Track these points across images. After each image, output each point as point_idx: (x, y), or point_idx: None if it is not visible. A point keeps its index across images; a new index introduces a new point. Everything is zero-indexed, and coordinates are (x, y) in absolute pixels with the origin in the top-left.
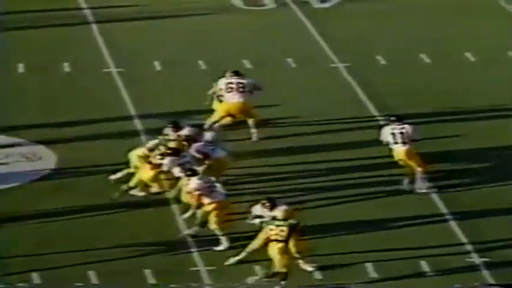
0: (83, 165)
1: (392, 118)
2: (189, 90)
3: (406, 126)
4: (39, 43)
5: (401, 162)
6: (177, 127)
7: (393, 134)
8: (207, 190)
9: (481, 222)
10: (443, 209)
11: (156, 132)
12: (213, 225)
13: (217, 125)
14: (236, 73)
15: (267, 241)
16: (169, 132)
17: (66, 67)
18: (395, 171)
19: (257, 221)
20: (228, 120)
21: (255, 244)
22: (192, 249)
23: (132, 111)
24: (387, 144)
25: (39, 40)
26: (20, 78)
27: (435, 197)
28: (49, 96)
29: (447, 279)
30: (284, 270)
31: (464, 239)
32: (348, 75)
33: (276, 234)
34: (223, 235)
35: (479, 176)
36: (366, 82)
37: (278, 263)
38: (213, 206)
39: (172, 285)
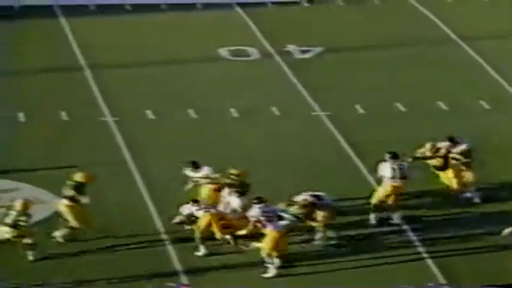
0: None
1: (389, 155)
2: (183, 138)
3: (403, 163)
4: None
5: (384, 197)
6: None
7: (393, 168)
8: (266, 219)
9: None
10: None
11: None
12: (264, 253)
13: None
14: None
15: None
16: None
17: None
18: None
19: None
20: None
21: None
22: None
23: (127, 156)
24: (381, 177)
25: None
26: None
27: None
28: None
29: None
30: None
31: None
32: (329, 123)
33: None
34: (272, 263)
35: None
36: (346, 130)
37: None
38: (268, 234)
39: None
